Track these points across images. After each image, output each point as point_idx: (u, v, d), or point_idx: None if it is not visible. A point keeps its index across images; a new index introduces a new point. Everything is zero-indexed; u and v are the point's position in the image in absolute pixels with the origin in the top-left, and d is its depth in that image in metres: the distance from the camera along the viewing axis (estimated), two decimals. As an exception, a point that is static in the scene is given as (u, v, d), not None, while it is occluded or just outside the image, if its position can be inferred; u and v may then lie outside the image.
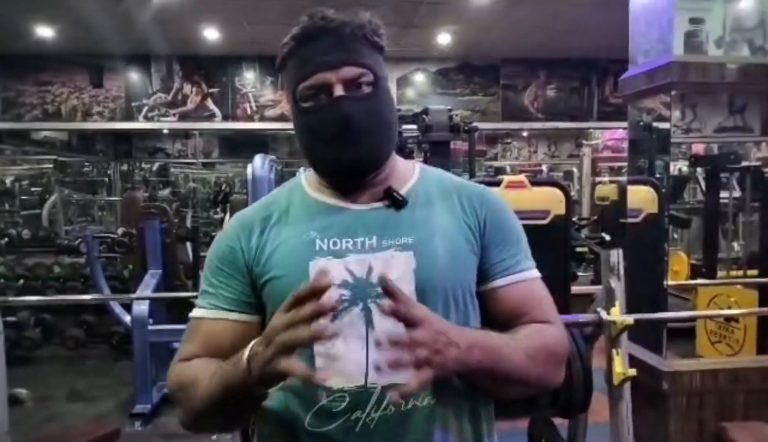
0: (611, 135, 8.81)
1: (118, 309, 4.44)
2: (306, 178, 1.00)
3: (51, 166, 9.07)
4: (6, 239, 6.73)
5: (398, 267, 0.87)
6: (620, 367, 1.85)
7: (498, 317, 0.94)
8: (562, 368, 0.95)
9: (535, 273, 0.98)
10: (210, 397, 0.83)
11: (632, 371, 1.85)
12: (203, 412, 0.86)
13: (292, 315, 0.73)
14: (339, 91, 0.88)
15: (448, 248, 0.91)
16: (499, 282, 0.94)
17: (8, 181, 9.01)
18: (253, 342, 0.79)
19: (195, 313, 0.95)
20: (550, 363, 0.92)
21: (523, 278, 0.95)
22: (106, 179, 10.53)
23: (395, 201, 0.93)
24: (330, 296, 0.73)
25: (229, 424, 0.98)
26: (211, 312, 0.92)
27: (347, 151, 0.89)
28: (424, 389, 0.85)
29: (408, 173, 0.99)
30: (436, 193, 0.97)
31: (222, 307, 0.92)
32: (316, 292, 0.73)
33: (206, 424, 0.93)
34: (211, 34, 6.55)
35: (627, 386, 1.88)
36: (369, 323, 0.85)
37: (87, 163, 10.74)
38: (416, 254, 0.89)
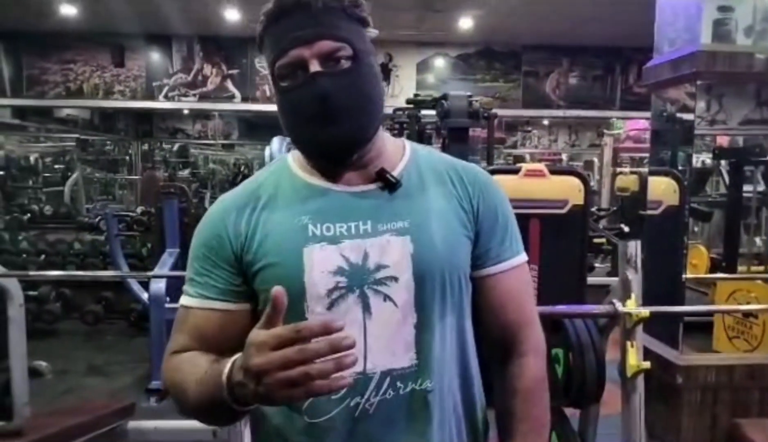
0: (634, 125, 8.67)
1: (136, 286, 4.50)
2: (293, 158, 0.94)
3: (73, 144, 9.19)
4: (29, 215, 6.84)
5: (395, 252, 0.86)
6: (634, 359, 1.84)
7: (488, 304, 0.95)
8: (545, 385, 0.97)
9: (522, 258, 0.97)
10: (198, 404, 0.81)
11: (646, 364, 1.84)
12: (195, 414, 0.85)
13: (282, 356, 0.65)
14: (315, 66, 0.84)
15: (445, 232, 0.89)
16: (489, 270, 0.94)
17: (32, 158, 9.13)
18: (229, 365, 0.73)
19: (183, 301, 0.91)
20: (542, 405, 0.96)
21: (511, 265, 0.95)
22: (127, 158, 10.65)
23: (388, 183, 0.89)
24: (347, 344, 0.66)
25: (222, 423, 0.96)
26: (198, 301, 0.89)
27: (327, 131, 0.84)
28: (423, 374, 0.86)
29: (398, 153, 0.95)
30: (430, 174, 0.93)
31: (209, 297, 0.88)
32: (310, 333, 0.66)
33: (202, 421, 0.91)
34: (232, 15, 6.55)
35: (640, 378, 1.87)
36: (366, 309, 0.85)
37: (109, 142, 10.86)
38: (413, 238, 0.87)
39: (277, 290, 0.68)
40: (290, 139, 0.92)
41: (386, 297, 0.85)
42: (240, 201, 0.91)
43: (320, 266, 0.84)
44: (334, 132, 0.84)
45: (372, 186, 0.90)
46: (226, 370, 0.73)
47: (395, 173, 0.90)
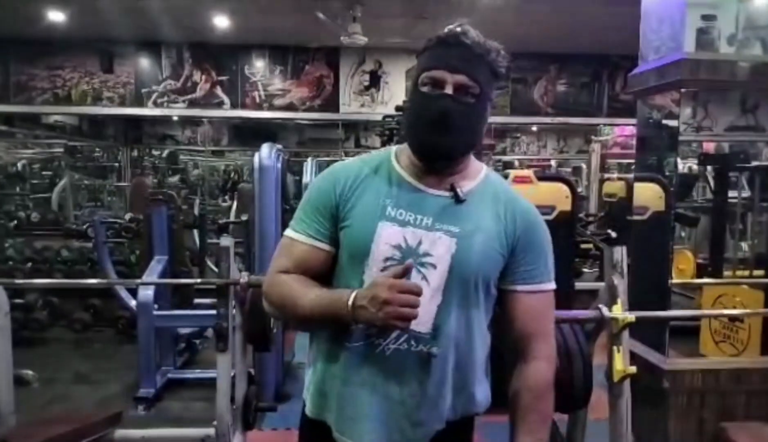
0: (621, 131, 8.74)
1: (124, 294, 4.47)
2: (396, 152, 1.22)
3: (62, 150, 9.12)
4: (15, 222, 6.79)
5: (441, 247, 1.12)
6: (620, 364, 1.86)
7: (511, 314, 1.20)
8: (552, 388, 1.21)
9: (550, 286, 1.21)
10: (310, 312, 1.12)
11: (632, 369, 1.85)
12: (299, 323, 1.22)
13: (406, 298, 1.02)
14: (449, 89, 1.11)
15: (483, 246, 1.14)
16: (519, 287, 1.18)
17: (19, 164, 9.06)
18: (355, 294, 1.07)
19: (290, 234, 1.21)
20: (549, 402, 1.22)
21: (538, 288, 1.19)
22: (116, 165, 10.58)
23: (456, 196, 1.15)
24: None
25: (317, 329, 1.25)
26: (302, 236, 1.19)
27: (433, 137, 1.11)
28: (433, 342, 1.12)
29: (476, 174, 1.21)
30: (490, 198, 1.18)
31: (312, 236, 1.18)
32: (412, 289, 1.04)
33: (294, 327, 1.27)
34: (221, 22, 6.55)
35: (627, 383, 1.89)
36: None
37: (97, 149, 10.79)
38: (458, 242, 1.12)
39: (410, 262, 1.08)
40: (405, 132, 1.21)
41: (424, 277, 1.12)
42: (349, 171, 1.20)
43: (386, 238, 1.12)
44: (438, 140, 1.12)
45: (445, 193, 1.16)
46: (352, 296, 1.07)
47: (465, 190, 1.16)
